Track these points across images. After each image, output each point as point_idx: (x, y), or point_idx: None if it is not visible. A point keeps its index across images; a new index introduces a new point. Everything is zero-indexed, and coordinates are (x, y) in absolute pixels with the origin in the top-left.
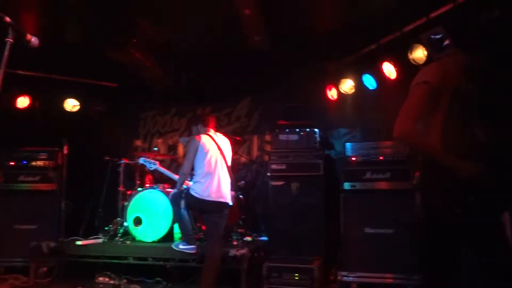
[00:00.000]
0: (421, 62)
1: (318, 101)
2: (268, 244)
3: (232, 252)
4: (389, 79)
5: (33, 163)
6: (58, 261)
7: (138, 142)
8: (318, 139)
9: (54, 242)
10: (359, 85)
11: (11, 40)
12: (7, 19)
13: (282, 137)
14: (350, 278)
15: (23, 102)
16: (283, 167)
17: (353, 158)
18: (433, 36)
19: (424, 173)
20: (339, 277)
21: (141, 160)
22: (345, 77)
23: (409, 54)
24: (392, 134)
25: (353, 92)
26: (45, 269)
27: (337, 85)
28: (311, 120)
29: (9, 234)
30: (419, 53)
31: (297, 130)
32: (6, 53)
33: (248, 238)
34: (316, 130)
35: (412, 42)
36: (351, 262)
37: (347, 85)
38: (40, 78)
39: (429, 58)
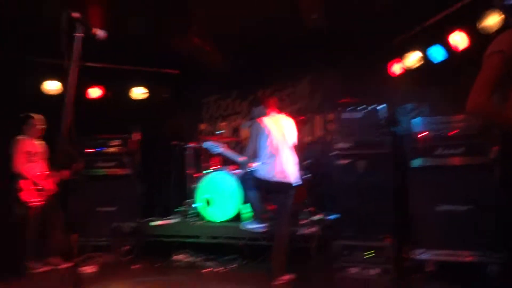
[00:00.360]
0: (494, 30)
1: (383, 76)
2: (336, 223)
3: (301, 231)
4: (458, 49)
5: (108, 150)
6: (137, 241)
7: (203, 126)
8: (383, 115)
9: (133, 223)
10: (426, 58)
11: (80, 34)
12: (75, 14)
13: (345, 115)
14: (426, 256)
15: (95, 92)
16: (348, 145)
17: (422, 134)
18: (507, 1)
19: (502, 146)
20: (413, 255)
21: (205, 145)
22: (411, 50)
23: (480, 22)
24: (465, 108)
25: (420, 65)
26: (126, 248)
27: (402, 59)
28: (375, 96)
29: (93, 216)
30: (492, 21)
31: (361, 107)
32: (77, 47)
33: (317, 217)
34: (380, 106)
35: (485, 8)
36: (425, 240)
37: (413, 58)
38: (109, 69)
39: (503, 25)
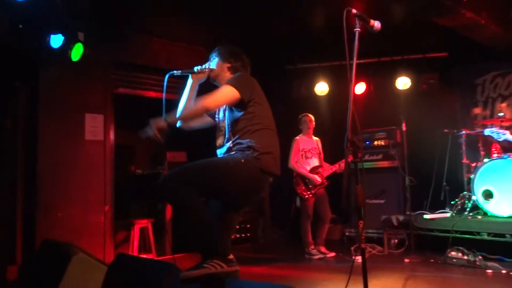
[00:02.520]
0: None
1: None
2: None
3: None
4: None
5: (375, 143)
6: (407, 234)
7: (477, 110)
8: None
9: (402, 216)
10: None
11: (359, 29)
12: (354, 11)
13: None
14: None
15: (360, 88)
16: None
17: None
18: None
19: None
20: None
21: (486, 132)
22: None
23: None
24: None
25: None
26: (396, 240)
27: None
28: None
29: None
30: None
31: None
32: (356, 41)
33: None
34: None
35: None
36: None
37: None
38: (371, 64)
39: None
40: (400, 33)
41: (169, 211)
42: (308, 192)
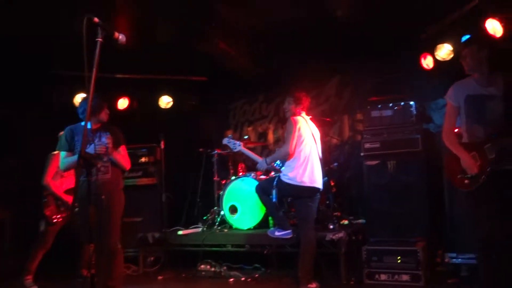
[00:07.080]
0: None
1: (412, 72)
2: (366, 227)
3: (329, 236)
4: (494, 37)
5: (136, 160)
6: (163, 251)
7: (229, 132)
8: (414, 112)
9: (158, 233)
10: (459, 50)
11: (100, 39)
12: (96, 19)
13: (375, 113)
14: (459, 260)
15: (123, 103)
16: (377, 145)
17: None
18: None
19: None
20: (446, 259)
21: (225, 141)
22: (442, 42)
23: None
24: None
25: (452, 58)
26: (152, 258)
27: (433, 52)
28: (405, 93)
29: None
30: None
31: (391, 104)
32: (97, 51)
33: (345, 222)
34: (411, 103)
35: None
36: (460, 244)
37: (445, 51)
38: (136, 80)
39: None
40: (165, 53)
41: None
42: (59, 216)
